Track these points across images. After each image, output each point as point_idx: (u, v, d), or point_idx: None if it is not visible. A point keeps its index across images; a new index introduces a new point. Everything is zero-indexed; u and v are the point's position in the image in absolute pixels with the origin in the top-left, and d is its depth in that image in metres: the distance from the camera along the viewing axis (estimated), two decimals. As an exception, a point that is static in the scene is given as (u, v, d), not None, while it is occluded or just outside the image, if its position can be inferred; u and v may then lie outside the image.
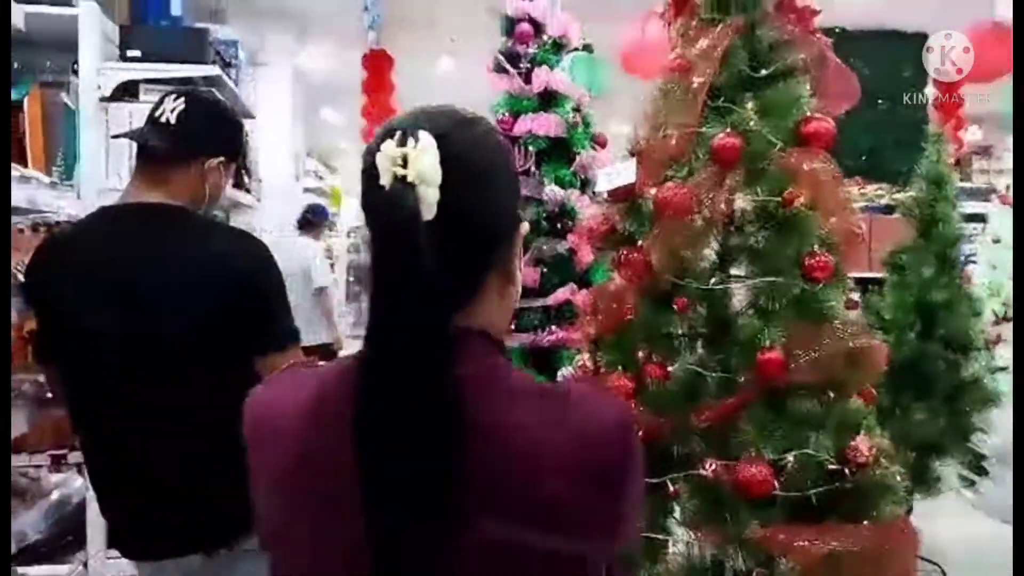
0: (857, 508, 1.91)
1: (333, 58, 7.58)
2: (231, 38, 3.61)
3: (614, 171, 2.14)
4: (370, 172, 0.73)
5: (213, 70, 3.00)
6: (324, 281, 5.42)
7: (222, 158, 1.64)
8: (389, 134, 0.72)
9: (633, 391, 2.02)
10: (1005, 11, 4.92)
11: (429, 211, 0.69)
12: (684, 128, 2.06)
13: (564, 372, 2.82)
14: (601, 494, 0.72)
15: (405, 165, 0.69)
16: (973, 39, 5.16)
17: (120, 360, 1.47)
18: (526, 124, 2.97)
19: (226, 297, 1.50)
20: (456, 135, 0.74)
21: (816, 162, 1.99)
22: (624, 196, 2.18)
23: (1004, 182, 5.58)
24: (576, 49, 3.23)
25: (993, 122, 8.50)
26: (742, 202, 1.97)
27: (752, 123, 1.99)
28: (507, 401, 0.73)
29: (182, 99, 1.60)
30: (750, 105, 2.04)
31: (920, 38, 5.52)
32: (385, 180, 0.70)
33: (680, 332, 2.05)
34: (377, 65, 6.21)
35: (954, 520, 2.76)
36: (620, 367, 2.06)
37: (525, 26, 3.08)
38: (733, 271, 2.14)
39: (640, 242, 2.10)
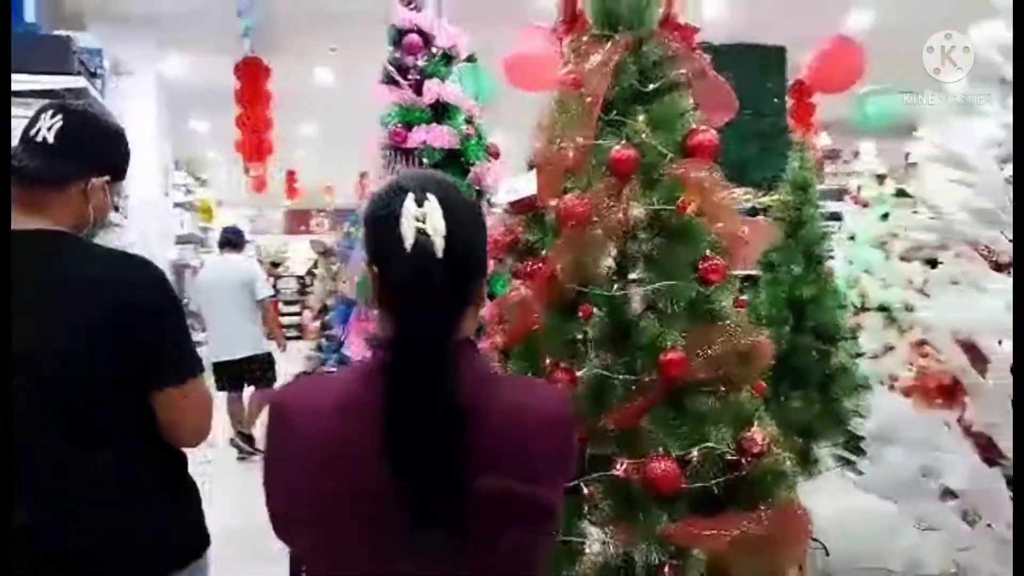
0: (755, 495, 2.04)
1: (200, 66, 7.22)
2: (94, 46, 3.38)
3: (515, 184, 2.18)
4: (390, 224, 0.97)
5: (79, 81, 2.81)
6: (266, 292, 5.93)
7: (107, 177, 1.53)
8: (402, 194, 0.98)
9: (543, 398, 2.06)
10: (854, 26, 5.40)
11: (439, 254, 0.96)
12: (580, 141, 2.12)
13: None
14: (560, 443, 1.06)
15: (423, 220, 0.96)
16: (825, 53, 5.63)
17: (21, 391, 1.35)
18: (420, 136, 2.96)
19: (119, 329, 1.40)
20: (449, 196, 1.00)
21: (703, 171, 2.12)
22: (525, 208, 2.23)
23: (855, 183, 6.12)
24: (467, 60, 3.26)
25: (839, 128, 9.28)
26: (638, 211, 2.05)
27: (644, 135, 2.08)
28: (496, 387, 1.05)
29: (60, 115, 1.48)
30: (641, 118, 2.13)
31: (779, 51, 5.96)
32: (407, 232, 0.96)
33: (585, 338, 2.10)
34: (251, 74, 5.97)
35: (830, 499, 2.98)
36: (529, 374, 2.09)
37: (414, 37, 3.07)
38: (631, 277, 2.24)
39: (544, 252, 2.15)
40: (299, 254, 13.49)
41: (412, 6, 3.13)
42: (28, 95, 2.71)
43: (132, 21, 5.68)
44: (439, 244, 0.96)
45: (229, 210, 14.12)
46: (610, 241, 2.15)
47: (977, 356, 2.16)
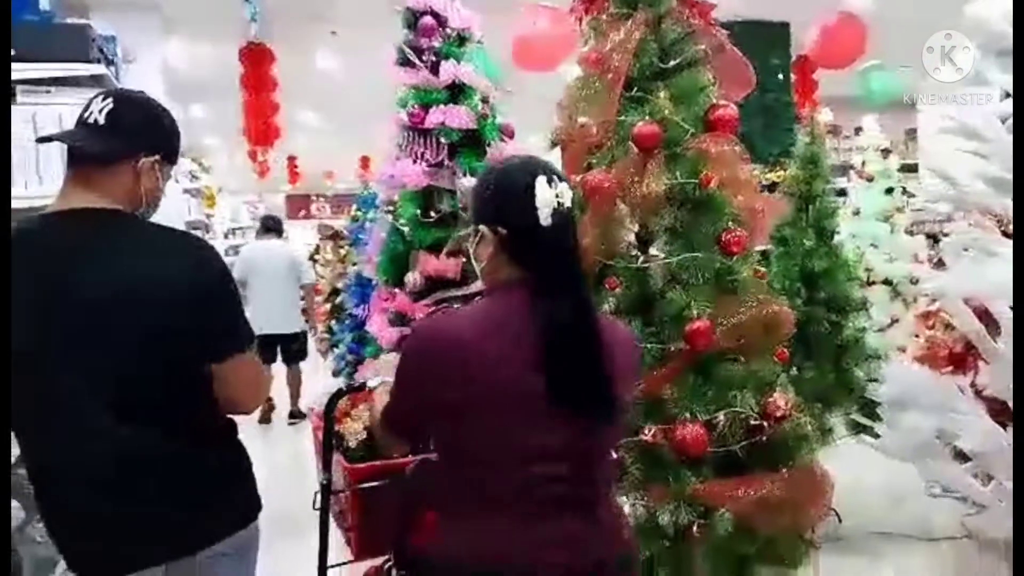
0: (778, 458, 2.12)
1: (202, 52, 7.21)
2: (108, 33, 3.40)
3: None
4: (526, 197, 1.32)
5: (99, 68, 2.83)
6: (311, 277, 6.51)
7: (156, 156, 1.58)
8: (532, 176, 1.33)
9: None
10: (856, 2, 5.42)
11: (571, 223, 1.39)
12: (604, 117, 2.17)
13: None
14: (638, 359, 1.74)
15: (561, 196, 1.33)
16: (828, 29, 5.66)
17: (71, 370, 1.40)
18: (438, 116, 2.98)
19: (180, 304, 1.45)
20: (562, 175, 1.38)
21: (725, 145, 2.18)
22: (550, 184, 2.27)
23: (857, 159, 6.15)
24: (480, 41, 3.28)
25: (840, 103, 9.30)
26: (662, 185, 2.10)
27: (667, 111, 2.13)
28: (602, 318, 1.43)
29: (111, 98, 1.53)
30: (663, 94, 2.18)
31: (783, 27, 5.98)
32: (546, 204, 1.31)
33: (612, 309, 2.16)
34: (256, 59, 5.97)
35: (843, 467, 3.07)
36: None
37: (428, 19, 3.09)
38: (653, 250, 2.30)
39: (570, 227, 2.20)
40: (300, 239, 13.53)
41: (426, -12, 3.15)
42: (49, 83, 2.74)
43: (136, 7, 5.67)
44: (569, 215, 1.36)
45: (231, 196, 14.12)
46: (634, 215, 2.21)
47: (990, 321, 2.23)
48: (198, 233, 8.13)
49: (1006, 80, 2.27)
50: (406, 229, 2.95)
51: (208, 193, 9.41)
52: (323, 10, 6.31)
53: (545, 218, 1.30)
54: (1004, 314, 2.18)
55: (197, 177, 8.23)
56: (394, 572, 1.78)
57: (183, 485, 1.51)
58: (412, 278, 2.90)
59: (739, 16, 5.51)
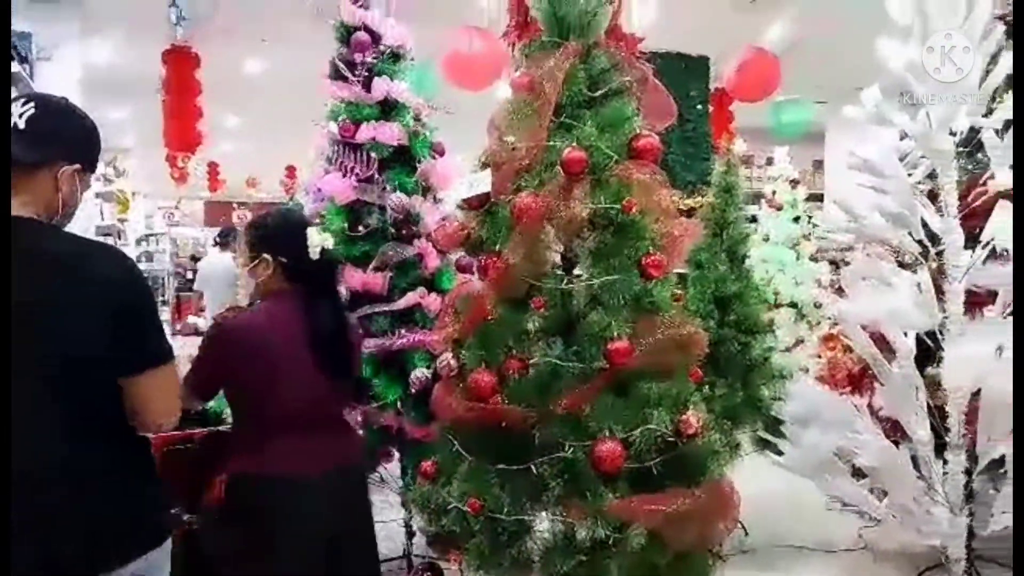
0: (690, 473, 2.21)
1: (126, 52, 6.94)
2: (23, 29, 3.26)
3: (471, 180, 2.27)
4: (302, 235, 2.16)
5: (14, 67, 2.71)
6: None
7: (77, 166, 1.54)
8: (306, 227, 2.21)
9: (496, 386, 2.17)
10: (770, 38, 5.73)
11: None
12: (533, 142, 2.24)
13: (416, 375, 2.89)
14: (359, 345, 2.52)
15: (324, 243, 2.22)
16: (744, 63, 5.96)
17: None
18: (369, 132, 3.00)
19: (94, 318, 1.42)
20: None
21: (646, 173, 2.28)
22: (479, 204, 2.32)
23: (768, 189, 6.49)
24: (413, 59, 3.31)
25: (753, 134, 9.77)
26: (587, 209, 2.18)
27: (593, 138, 2.22)
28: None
29: (32, 103, 1.48)
30: (589, 122, 2.27)
31: (702, 60, 6.26)
32: (314, 241, 2.16)
33: (537, 329, 2.22)
34: (180, 62, 5.79)
35: (749, 481, 3.22)
36: (483, 364, 2.19)
37: (362, 35, 3.10)
38: (577, 271, 2.37)
39: (497, 247, 2.25)
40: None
41: (360, 4, 3.17)
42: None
43: (51, 4, 5.43)
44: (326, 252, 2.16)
45: (146, 201, 13.56)
46: (560, 237, 2.28)
47: (885, 346, 2.41)
48: (110, 239, 7.83)
49: (905, 120, 2.47)
50: (333, 243, 2.94)
51: (122, 198, 9.04)
52: (254, 17, 6.21)
53: (314, 254, 2.11)
54: (898, 340, 2.36)
55: (111, 180, 7.89)
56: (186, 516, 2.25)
57: (94, 502, 1.47)
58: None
59: (662, 49, 5.75)
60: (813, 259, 6.04)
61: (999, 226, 2.23)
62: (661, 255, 2.24)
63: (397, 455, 3.19)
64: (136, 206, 11.28)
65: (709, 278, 3.84)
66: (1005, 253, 2.27)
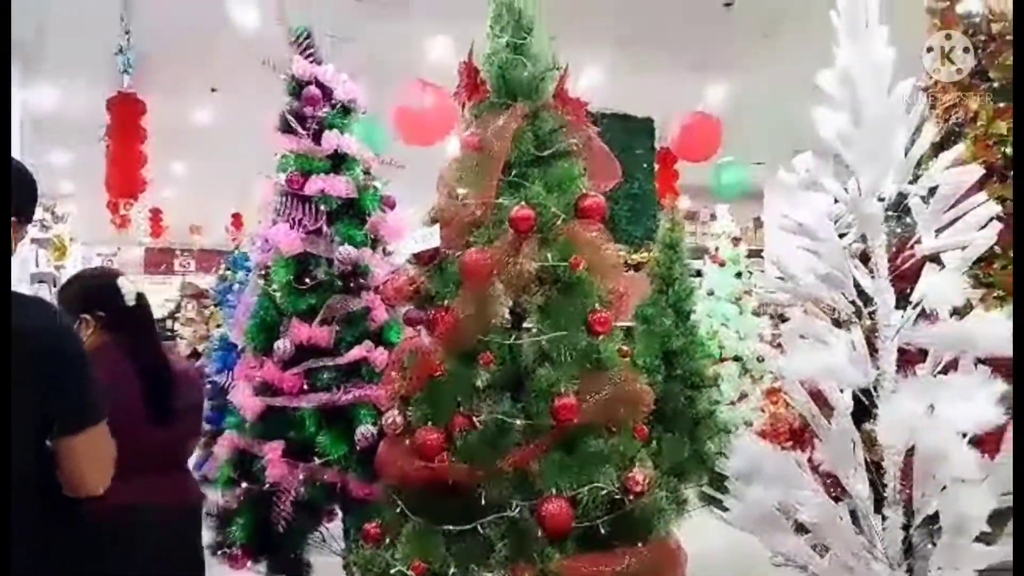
0: (637, 531, 2.20)
1: (69, 96, 6.83)
2: (-39, 72, 3.18)
3: (421, 235, 2.28)
4: (118, 291, 2.23)
5: (-51, 110, 2.63)
6: None
7: (14, 219, 1.50)
8: (115, 277, 2.32)
9: (443, 443, 2.14)
10: (712, 102, 5.97)
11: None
12: (482, 199, 2.27)
13: (362, 431, 2.84)
14: (197, 388, 2.60)
15: (134, 291, 2.31)
16: (686, 125, 6.20)
17: None
18: (318, 184, 3.00)
19: (26, 376, 1.36)
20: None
21: (592, 232, 2.33)
22: (428, 259, 2.33)
23: (712, 244, 6.68)
24: (364, 112, 3.34)
25: (697, 192, 10.09)
26: (534, 266, 2.21)
27: (541, 197, 2.26)
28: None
29: (-35, 153, 1.45)
30: (537, 181, 2.32)
31: (648, 121, 6.49)
32: (130, 296, 2.23)
33: (485, 385, 2.21)
34: (125, 108, 5.71)
35: (696, 537, 3.22)
36: (430, 421, 2.17)
37: (314, 90, 3.13)
38: (527, 327, 2.38)
39: (445, 302, 2.26)
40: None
41: (312, 59, 3.20)
42: None
43: (-8, 44, 5.33)
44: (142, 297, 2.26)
45: (84, 247, 13.14)
46: (508, 293, 2.29)
47: (823, 402, 2.46)
48: (44, 287, 7.54)
49: (835, 186, 2.58)
50: (278, 295, 2.90)
51: (58, 243, 8.75)
52: (204, 66, 6.20)
53: (129, 301, 2.18)
54: (835, 396, 2.41)
55: (48, 227, 7.65)
56: None
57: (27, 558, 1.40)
58: (282, 346, 2.83)
59: (609, 109, 5.95)
60: (755, 313, 6.21)
61: (927, 287, 2.33)
62: (607, 311, 2.27)
63: (340, 514, 3.10)
64: (74, 252, 10.92)
65: (656, 333, 3.91)
66: (934, 313, 2.37)
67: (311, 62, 3.16)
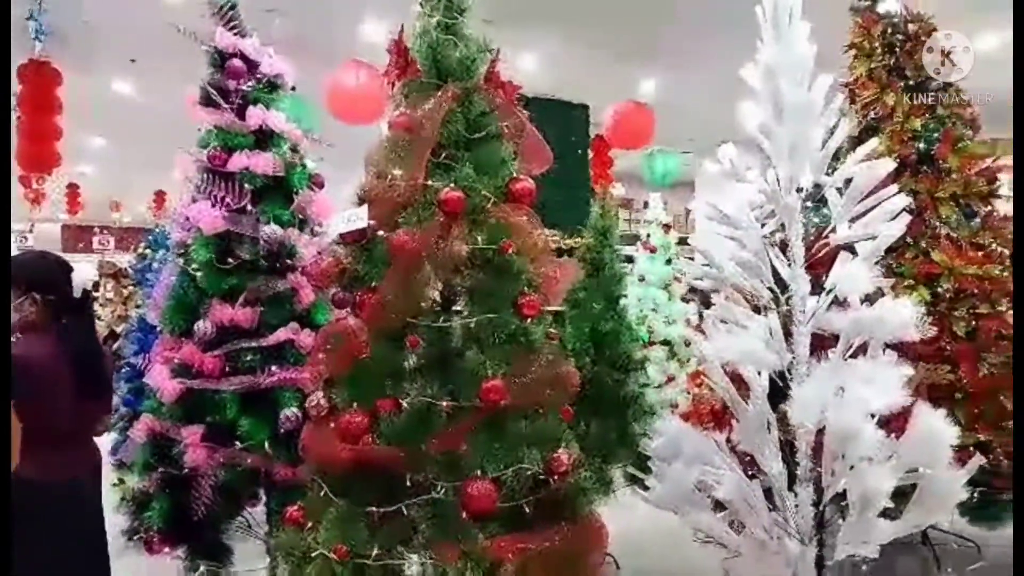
0: (561, 511, 2.24)
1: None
2: None
3: (348, 215, 2.24)
4: (67, 276, 2.56)
5: None
6: None
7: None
8: (71, 269, 2.58)
9: (368, 426, 2.12)
10: (646, 91, 6.05)
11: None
12: (411, 180, 2.25)
13: (286, 414, 2.78)
14: (111, 370, 3.14)
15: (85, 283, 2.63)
16: (619, 115, 6.27)
17: None
18: (241, 161, 2.90)
19: None
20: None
21: (522, 215, 2.33)
22: (355, 239, 2.29)
23: (644, 231, 6.80)
24: (294, 89, 3.25)
25: (632, 180, 10.25)
26: (464, 248, 2.20)
27: (471, 179, 2.25)
28: None
29: None
30: (467, 164, 2.30)
31: (583, 108, 6.53)
32: (79, 287, 2.54)
33: (412, 367, 2.20)
34: (39, 78, 5.39)
35: (621, 516, 3.29)
36: (355, 404, 2.14)
37: (237, 63, 3.02)
38: (455, 309, 2.38)
39: (373, 283, 2.23)
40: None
41: (236, 31, 3.09)
42: None
43: None
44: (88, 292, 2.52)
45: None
46: (437, 275, 2.28)
47: (742, 384, 2.55)
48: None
49: (757, 177, 2.66)
50: (199, 275, 2.81)
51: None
52: (124, 34, 5.90)
53: (77, 292, 2.45)
54: (752, 378, 2.50)
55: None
56: None
57: None
58: (202, 327, 2.75)
59: (544, 94, 5.96)
60: (684, 299, 6.36)
61: (840, 275, 2.44)
62: (536, 295, 2.29)
63: (264, 499, 3.04)
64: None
65: (586, 317, 3.95)
66: (845, 300, 2.47)
67: (235, 34, 3.05)
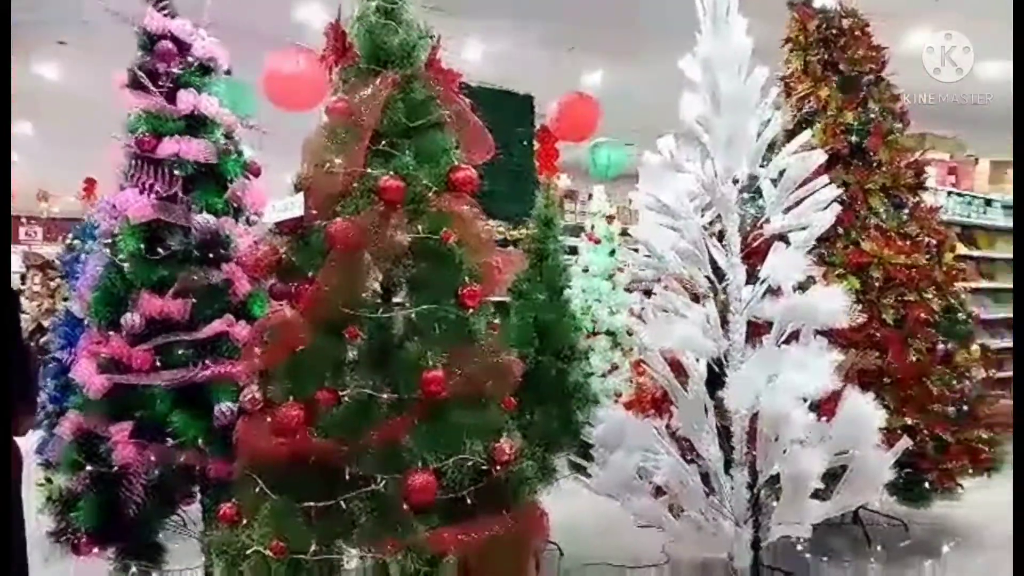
0: (503, 500, 2.24)
1: None
2: None
3: (283, 203, 2.19)
4: None
5: None
6: None
7: None
8: None
9: (305, 419, 2.07)
10: (588, 83, 6.07)
11: None
12: (349, 168, 2.20)
13: (221, 408, 2.70)
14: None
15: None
16: (563, 105, 6.27)
17: None
18: (171, 147, 2.79)
19: None
20: None
21: (464, 205, 2.31)
22: (292, 228, 2.24)
23: (589, 222, 6.85)
24: (229, 73, 3.15)
25: (577, 171, 10.29)
26: (404, 238, 2.17)
27: (411, 168, 2.22)
28: None
29: None
30: (408, 152, 2.27)
31: (528, 99, 6.51)
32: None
33: (351, 359, 2.16)
34: (-48, 57, 5.09)
35: (565, 504, 3.31)
36: (291, 397, 2.10)
37: (167, 44, 2.91)
38: (396, 300, 2.35)
39: (309, 273, 2.18)
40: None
41: (166, 12, 2.97)
42: None
43: None
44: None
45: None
46: (377, 265, 2.24)
47: (680, 371, 2.59)
48: None
49: (695, 168, 2.70)
50: (126, 265, 2.70)
51: None
52: (50, 15, 5.63)
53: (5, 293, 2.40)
54: (691, 365, 2.55)
55: None
56: None
57: None
58: (131, 320, 2.65)
59: (490, 84, 5.92)
60: (627, 290, 6.43)
61: (774, 264, 2.50)
62: (477, 285, 2.27)
63: (199, 497, 2.96)
64: None
65: (529, 307, 3.95)
66: (780, 289, 2.54)
67: (165, 15, 2.93)
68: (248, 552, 1.94)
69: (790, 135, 3.36)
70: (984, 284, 7.74)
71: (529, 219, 4.52)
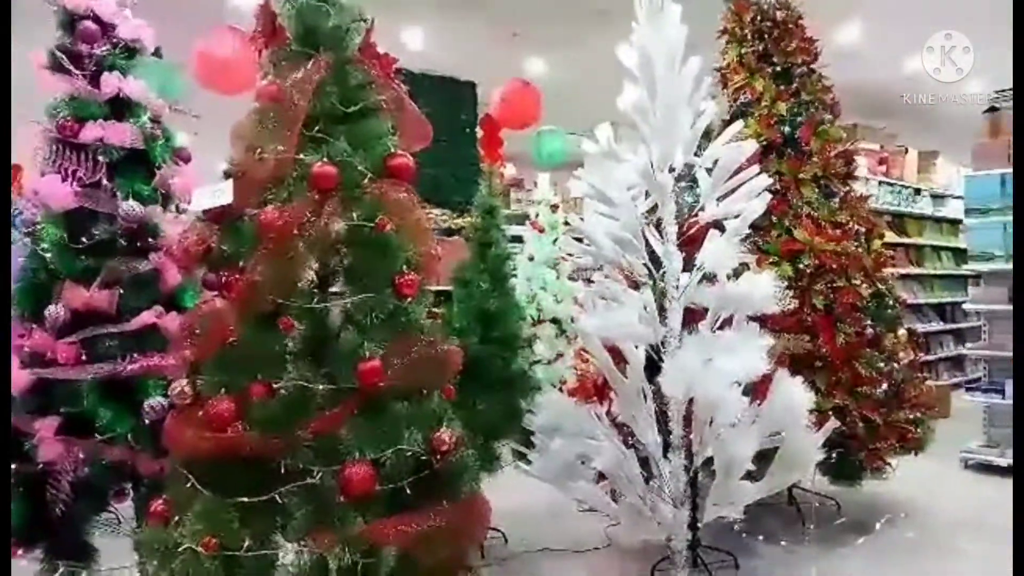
0: (444, 491, 2.23)
1: None
2: None
3: (211, 191, 2.12)
4: None
5: None
6: None
7: None
8: None
9: (237, 413, 2.02)
10: (532, 71, 6.05)
11: None
12: (281, 154, 2.14)
13: (150, 403, 2.62)
14: None
15: None
16: (506, 92, 6.24)
17: None
18: (95, 132, 2.68)
19: None
20: None
21: (401, 192, 2.28)
22: (220, 216, 2.17)
23: (534, 211, 6.85)
24: (157, 55, 3.03)
25: (522, 160, 10.27)
26: (339, 226, 2.13)
27: (345, 154, 2.17)
28: None
29: None
30: (342, 138, 2.22)
31: (471, 86, 6.48)
32: None
33: (285, 350, 2.11)
34: None
35: (509, 492, 3.33)
36: (223, 390, 2.04)
37: (90, 24, 2.79)
38: (332, 290, 2.30)
39: (241, 263, 2.11)
40: None
41: (89, -10, 2.84)
42: None
43: None
44: None
45: None
46: (311, 254, 2.19)
47: (620, 358, 2.63)
48: None
49: (632, 156, 2.73)
50: (49, 255, 2.59)
51: None
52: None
53: None
54: (629, 352, 2.58)
55: None
56: None
57: None
58: (54, 311, 2.54)
59: (432, 71, 5.86)
60: (571, 278, 6.47)
61: (709, 252, 2.55)
62: (415, 274, 2.24)
63: (131, 494, 2.87)
64: None
65: (473, 296, 3.93)
66: (715, 276, 2.59)
67: (87, -7, 2.81)
68: (179, 550, 1.88)
69: (726, 125, 3.42)
70: (913, 270, 8.06)
71: (473, 207, 4.50)
